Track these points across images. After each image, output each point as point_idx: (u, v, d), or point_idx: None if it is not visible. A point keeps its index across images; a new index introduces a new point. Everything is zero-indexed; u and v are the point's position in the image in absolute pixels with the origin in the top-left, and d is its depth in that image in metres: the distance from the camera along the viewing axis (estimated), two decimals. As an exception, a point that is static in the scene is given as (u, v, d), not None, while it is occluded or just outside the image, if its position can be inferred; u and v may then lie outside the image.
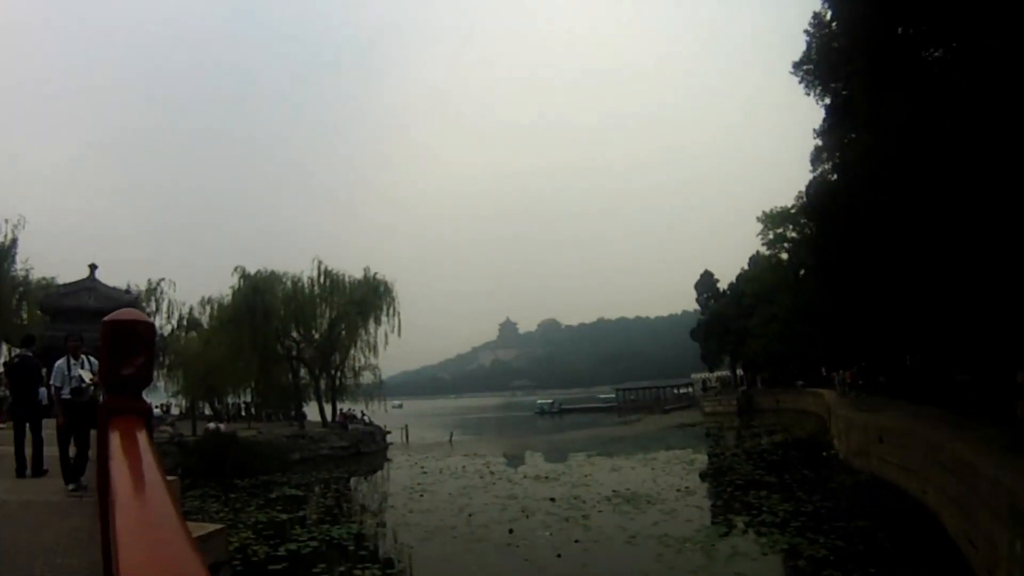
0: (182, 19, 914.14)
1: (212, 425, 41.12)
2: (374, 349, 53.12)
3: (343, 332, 51.52)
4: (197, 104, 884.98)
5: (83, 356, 10.15)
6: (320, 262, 51.34)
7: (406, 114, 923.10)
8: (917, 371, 34.83)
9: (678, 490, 25.63)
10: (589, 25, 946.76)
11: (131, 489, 2.12)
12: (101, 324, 3.38)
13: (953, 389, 26.89)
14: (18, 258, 38.01)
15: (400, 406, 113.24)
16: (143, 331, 3.26)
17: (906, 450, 21.39)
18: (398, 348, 55.19)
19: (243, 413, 61.21)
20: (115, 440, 2.68)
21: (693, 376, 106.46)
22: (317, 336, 51.87)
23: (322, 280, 51.10)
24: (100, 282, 45.60)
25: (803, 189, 46.64)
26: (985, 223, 18.95)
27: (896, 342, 32.98)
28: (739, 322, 76.66)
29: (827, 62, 30.45)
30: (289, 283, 50.26)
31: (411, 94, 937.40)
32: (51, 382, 10.13)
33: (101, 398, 3.34)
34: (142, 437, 2.70)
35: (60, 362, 10.06)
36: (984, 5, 17.38)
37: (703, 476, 30.58)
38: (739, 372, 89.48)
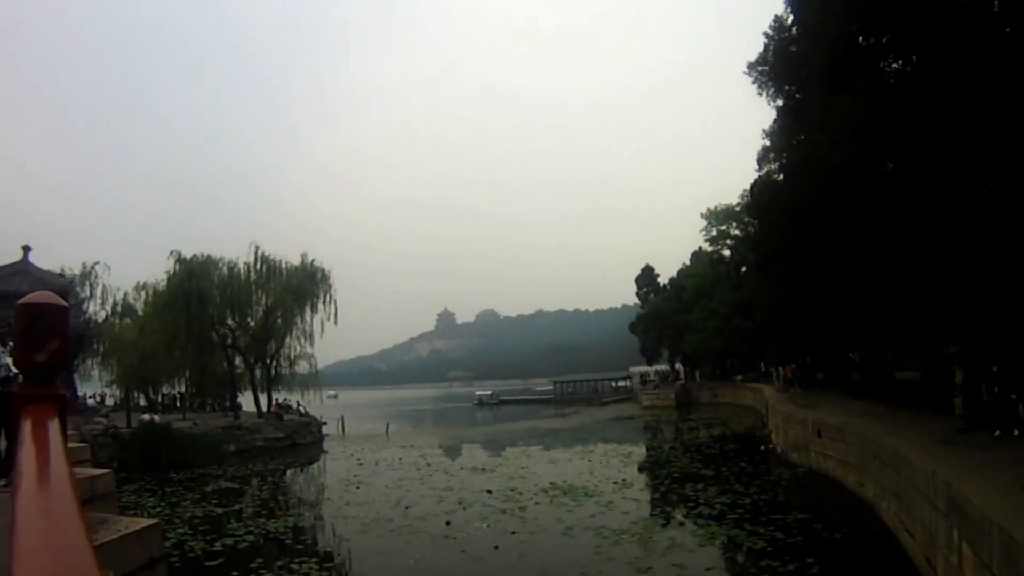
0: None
1: (147, 416, 40.59)
2: (310, 338, 52.94)
3: (279, 319, 50.96)
4: (142, 79, 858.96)
5: (11, 343, 9.49)
6: (257, 247, 50.70)
7: (351, 99, 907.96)
8: (857, 367, 35.58)
9: (615, 482, 25.64)
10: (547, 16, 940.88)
11: (35, 478, 2.21)
12: (15, 308, 3.37)
13: (893, 385, 27.54)
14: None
15: (335, 396, 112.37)
16: (55, 314, 3.13)
17: (844, 444, 21.85)
18: (334, 337, 55.17)
19: (178, 403, 60.24)
20: (26, 428, 2.71)
21: (631, 370, 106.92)
22: (253, 324, 51.03)
23: (259, 266, 50.34)
24: (33, 265, 44.27)
25: (748, 188, 47.31)
26: (929, 225, 19.38)
27: (836, 339, 33.61)
28: (679, 316, 77.57)
29: (783, 64, 30.99)
30: (225, 268, 49.07)
31: (353, 80, 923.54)
32: None
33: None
34: (53, 426, 2.77)
35: None
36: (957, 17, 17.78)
37: (640, 469, 30.64)
38: (678, 366, 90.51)
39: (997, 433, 15.73)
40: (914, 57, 21.14)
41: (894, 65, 22.54)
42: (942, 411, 20.14)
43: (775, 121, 35.92)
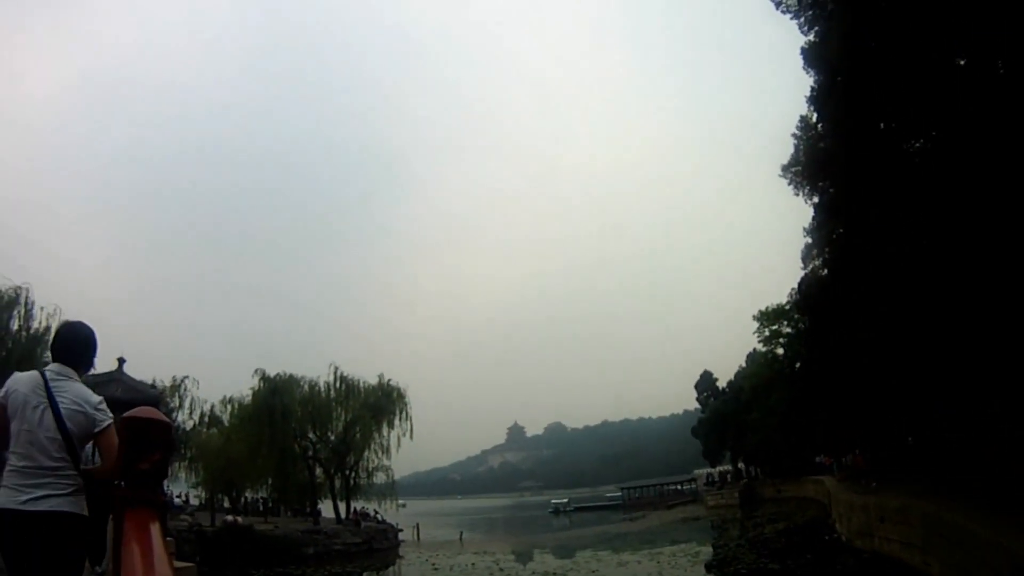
0: (212, 126, 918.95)
1: (230, 518, 42.49)
2: (387, 451, 54.43)
3: (357, 434, 52.71)
4: (227, 211, 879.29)
5: None
6: (336, 368, 53.27)
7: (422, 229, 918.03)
8: (914, 447, 35.46)
9: (684, 582, 25.34)
10: (599, 135, 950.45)
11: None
12: (121, 420, 3.78)
13: (950, 454, 27.69)
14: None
15: (404, 505, 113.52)
16: (159, 429, 3.66)
17: (907, 525, 21.62)
18: (411, 449, 56.40)
19: (260, 508, 62.27)
20: (130, 530, 2.93)
21: (695, 472, 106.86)
22: (332, 437, 53.08)
23: (338, 385, 52.82)
24: (127, 375, 47.18)
25: (796, 286, 48.45)
26: (959, 302, 20.24)
27: (893, 423, 34.05)
28: (738, 417, 77.73)
29: (814, 163, 31.08)
30: (306, 386, 51.75)
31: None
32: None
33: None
34: (155, 530, 2.98)
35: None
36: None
37: (708, 567, 30.76)
38: (740, 465, 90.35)
39: None
40: (934, 133, 21.54)
41: (916, 145, 23.05)
42: (996, 475, 20.18)
43: (813, 218, 36.13)
